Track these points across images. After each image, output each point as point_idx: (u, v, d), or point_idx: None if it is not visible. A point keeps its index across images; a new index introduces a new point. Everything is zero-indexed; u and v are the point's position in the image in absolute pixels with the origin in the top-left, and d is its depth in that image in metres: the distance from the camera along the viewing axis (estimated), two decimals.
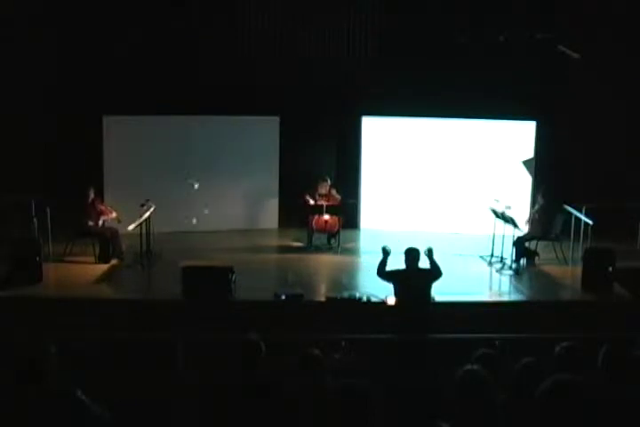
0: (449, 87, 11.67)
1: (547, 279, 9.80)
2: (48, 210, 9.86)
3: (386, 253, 7.73)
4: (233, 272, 8.65)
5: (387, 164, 12.40)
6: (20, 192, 10.49)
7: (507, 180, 11.96)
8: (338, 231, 11.21)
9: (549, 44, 11.76)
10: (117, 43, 11.71)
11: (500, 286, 9.88)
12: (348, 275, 10.00)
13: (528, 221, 10.71)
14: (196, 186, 11.50)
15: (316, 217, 11.15)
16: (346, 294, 8.67)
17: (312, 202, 11.24)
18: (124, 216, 10.22)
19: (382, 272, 7.74)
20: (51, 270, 9.49)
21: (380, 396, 3.00)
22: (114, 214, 10.38)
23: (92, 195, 10.29)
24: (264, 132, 12.27)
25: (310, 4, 12.18)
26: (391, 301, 7.99)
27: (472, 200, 11.95)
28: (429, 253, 7.66)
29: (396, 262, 7.84)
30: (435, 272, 7.63)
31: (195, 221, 11.86)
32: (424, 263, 7.73)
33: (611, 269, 9.10)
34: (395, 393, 4.30)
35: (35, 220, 10.06)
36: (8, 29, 11.49)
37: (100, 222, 10.27)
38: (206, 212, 11.94)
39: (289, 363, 4.34)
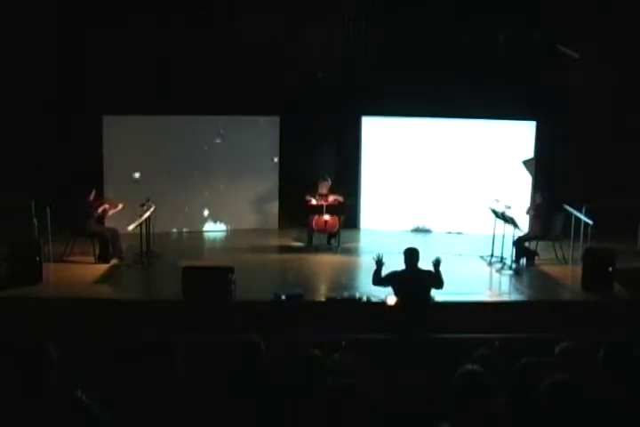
0: (449, 87, 11.68)
1: (547, 279, 9.79)
2: (48, 210, 9.86)
3: (379, 263, 7.72)
4: (233, 272, 8.65)
5: (387, 164, 12.40)
6: (20, 192, 10.50)
7: (507, 180, 11.96)
8: (338, 231, 11.21)
9: (549, 44, 11.76)
10: (117, 42, 11.71)
11: (500, 286, 9.88)
12: (347, 275, 10.00)
13: (527, 212, 10.77)
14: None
15: (316, 217, 11.15)
16: (346, 294, 8.67)
17: (314, 202, 11.22)
18: (124, 216, 10.22)
19: (377, 281, 7.77)
20: (51, 270, 9.49)
21: (379, 396, 3.00)
22: (120, 206, 10.38)
23: (92, 196, 10.30)
24: (264, 132, 12.28)
25: (311, 4, 12.18)
26: (391, 301, 7.99)
27: (472, 200, 11.95)
28: (437, 263, 7.66)
29: (396, 262, 7.85)
30: (437, 281, 7.65)
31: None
32: (423, 264, 7.75)
33: (611, 269, 9.10)
34: (395, 393, 4.30)
35: (35, 220, 10.06)
36: (8, 29, 11.50)
37: (99, 228, 10.28)
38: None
39: (289, 363, 4.34)
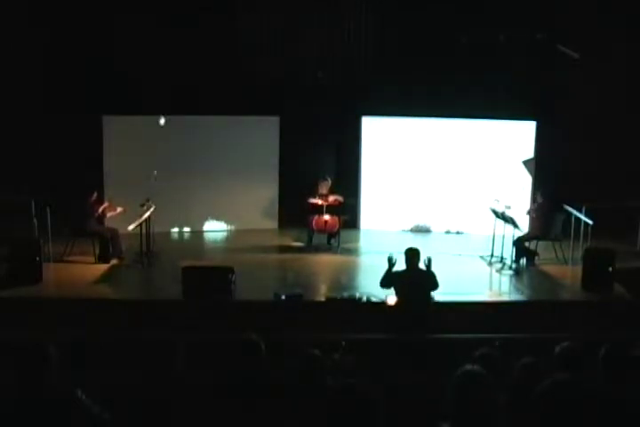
0: (449, 87, 11.69)
1: (547, 279, 9.80)
2: (48, 210, 9.86)
3: (391, 263, 7.72)
4: (233, 272, 8.65)
5: (387, 164, 12.41)
6: (19, 192, 10.50)
7: (507, 180, 11.97)
8: (338, 231, 11.21)
9: (549, 44, 11.76)
10: (117, 43, 11.71)
11: (500, 286, 9.88)
12: (347, 275, 10.00)
13: (527, 213, 10.78)
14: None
15: (316, 217, 11.15)
16: (346, 294, 8.67)
17: (320, 202, 11.20)
18: (124, 216, 10.22)
19: (385, 282, 7.78)
20: (51, 270, 9.50)
21: (380, 396, 2.99)
22: (119, 209, 10.39)
23: (94, 197, 10.31)
24: (264, 132, 12.28)
25: (311, 4, 12.18)
26: (391, 301, 8.00)
27: (472, 200, 11.96)
28: (428, 262, 7.67)
29: (397, 262, 7.85)
30: (432, 283, 7.66)
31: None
32: (423, 264, 7.76)
33: (611, 269, 9.10)
34: (395, 393, 4.30)
35: (35, 220, 10.06)
36: (8, 29, 11.50)
37: (99, 227, 10.28)
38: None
39: (289, 363, 4.34)
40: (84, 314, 7.99)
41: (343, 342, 6.20)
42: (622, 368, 3.94)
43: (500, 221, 10.44)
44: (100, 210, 10.30)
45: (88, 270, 9.71)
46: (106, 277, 9.53)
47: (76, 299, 8.48)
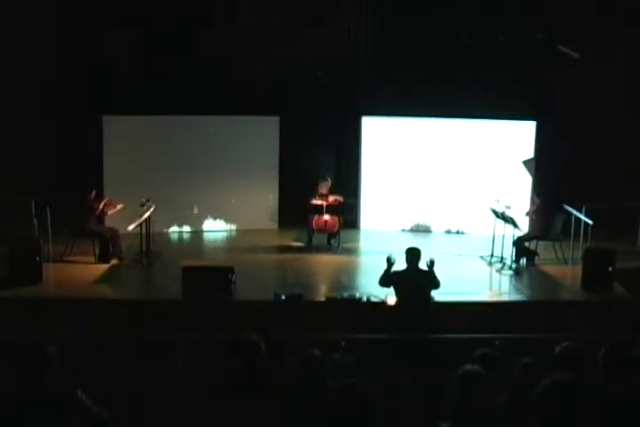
0: (449, 87, 11.68)
1: (547, 279, 9.80)
2: (48, 210, 9.86)
3: (390, 263, 7.73)
4: (233, 272, 8.65)
5: (387, 164, 12.41)
6: (19, 192, 10.50)
7: (507, 180, 11.96)
8: (338, 231, 11.21)
9: (549, 44, 11.77)
10: (117, 42, 11.71)
11: (500, 286, 9.88)
12: (347, 275, 10.00)
13: (527, 214, 10.76)
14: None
15: (316, 217, 11.15)
16: (346, 294, 8.67)
17: (320, 202, 11.19)
18: (124, 216, 10.22)
19: (384, 281, 7.78)
20: (51, 270, 9.49)
21: (380, 396, 2.99)
22: (119, 206, 10.38)
23: (93, 194, 10.30)
24: (264, 132, 12.28)
25: (311, 4, 12.18)
26: (391, 301, 8.00)
27: (472, 200, 11.96)
28: (431, 264, 7.67)
29: (397, 262, 7.85)
30: (434, 282, 7.66)
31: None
32: (424, 264, 7.76)
33: (611, 269, 9.10)
34: (395, 393, 4.30)
35: (35, 220, 10.06)
36: (8, 29, 11.50)
37: (99, 227, 10.28)
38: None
39: (289, 363, 4.34)
40: (84, 314, 8.00)
41: (343, 342, 6.20)
42: (622, 368, 3.94)
43: (500, 221, 10.44)
44: (101, 206, 10.29)
45: (88, 270, 9.71)
46: (106, 277, 9.53)
47: (76, 299, 8.48)
